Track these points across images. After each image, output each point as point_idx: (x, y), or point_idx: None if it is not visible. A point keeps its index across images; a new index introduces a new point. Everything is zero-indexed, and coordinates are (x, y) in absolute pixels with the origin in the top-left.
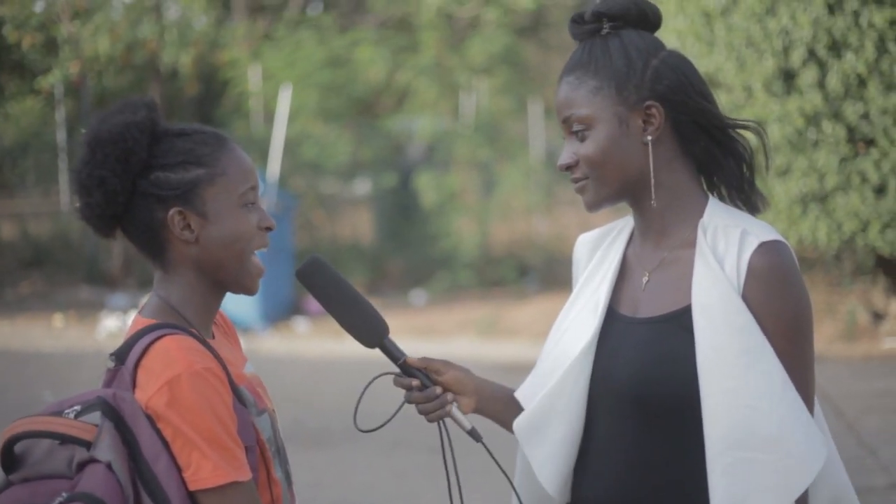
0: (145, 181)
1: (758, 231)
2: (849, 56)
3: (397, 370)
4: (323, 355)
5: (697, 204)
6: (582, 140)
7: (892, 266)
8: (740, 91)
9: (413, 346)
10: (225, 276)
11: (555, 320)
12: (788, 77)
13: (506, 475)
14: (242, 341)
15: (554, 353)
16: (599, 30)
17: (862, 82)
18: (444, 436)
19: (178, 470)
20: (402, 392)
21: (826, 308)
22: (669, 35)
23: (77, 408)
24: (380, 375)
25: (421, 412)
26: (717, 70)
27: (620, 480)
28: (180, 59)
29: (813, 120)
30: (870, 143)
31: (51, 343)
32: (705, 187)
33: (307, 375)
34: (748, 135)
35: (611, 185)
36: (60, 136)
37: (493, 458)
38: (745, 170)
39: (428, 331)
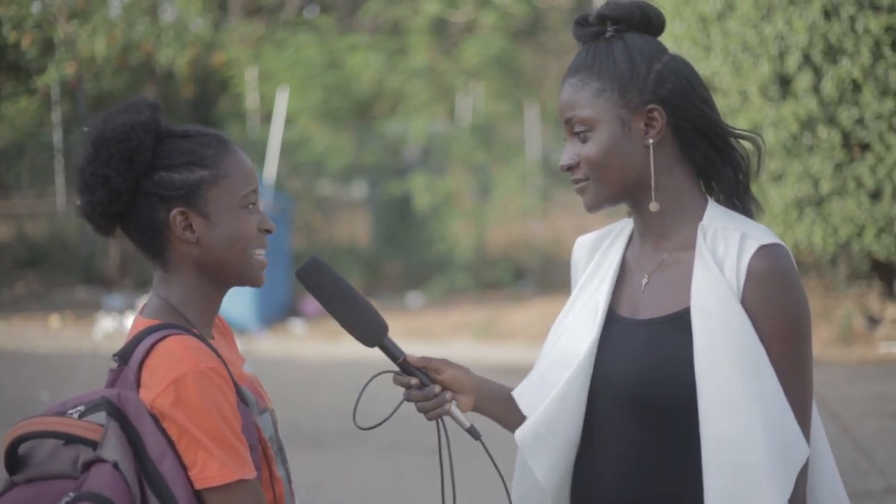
0: (149, 181)
1: (757, 234)
2: (844, 61)
3: (397, 369)
4: (319, 357)
5: (697, 207)
6: (584, 141)
7: (887, 270)
8: (736, 95)
9: (409, 349)
10: (228, 274)
11: (551, 323)
12: (784, 82)
13: (500, 474)
14: (239, 343)
15: (552, 355)
16: (603, 32)
17: (857, 87)
18: (442, 434)
19: (184, 469)
20: (401, 392)
21: (822, 312)
22: (666, 39)
23: (81, 408)
24: (379, 373)
25: (420, 410)
26: (713, 74)
27: (620, 481)
28: (176, 60)
29: (808, 125)
30: (865, 147)
31: (47, 343)
32: (704, 191)
33: (303, 377)
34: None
35: (611, 186)
36: (56, 136)
37: (490, 456)
38: (741, 178)
39: (424, 333)
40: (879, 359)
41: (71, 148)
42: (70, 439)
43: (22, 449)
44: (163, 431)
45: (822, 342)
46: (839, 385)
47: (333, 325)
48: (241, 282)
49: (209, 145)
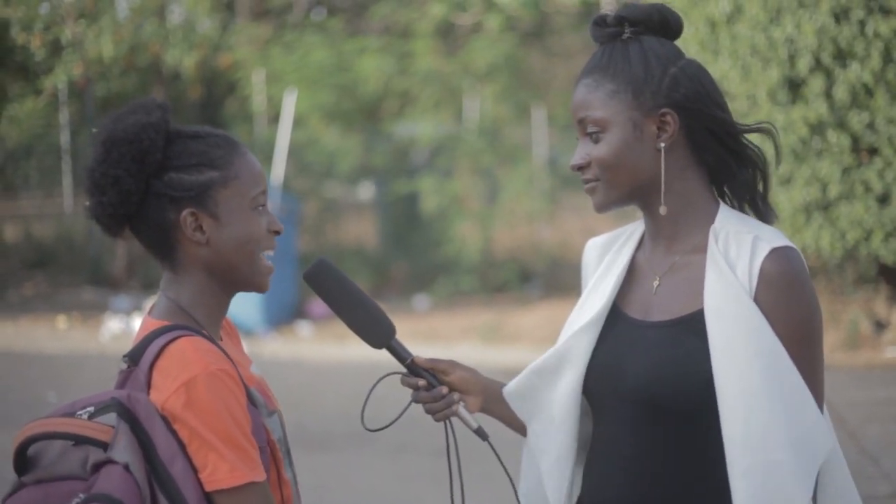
0: (159, 182)
1: (769, 237)
2: (854, 66)
3: (404, 370)
4: (326, 359)
5: (709, 210)
6: (596, 142)
7: (894, 275)
8: (744, 100)
9: (416, 351)
10: (236, 276)
11: (558, 326)
12: (793, 86)
13: (508, 475)
14: (245, 345)
15: (551, 352)
16: (620, 34)
17: (868, 92)
18: (449, 436)
19: (194, 471)
20: (409, 394)
21: (829, 317)
22: None
23: (90, 409)
24: (387, 375)
25: (428, 412)
26: (722, 78)
27: (629, 483)
28: (184, 61)
29: (817, 129)
30: (873, 152)
31: (54, 344)
32: (716, 195)
33: (310, 379)
34: (762, 145)
35: (621, 188)
36: (64, 137)
37: (498, 457)
38: (758, 179)
39: (431, 336)
40: (886, 363)
41: (78, 149)
42: (80, 440)
43: (31, 450)
44: (173, 433)
45: (829, 346)
46: (845, 389)
47: (340, 327)
48: (248, 286)
49: (219, 146)
